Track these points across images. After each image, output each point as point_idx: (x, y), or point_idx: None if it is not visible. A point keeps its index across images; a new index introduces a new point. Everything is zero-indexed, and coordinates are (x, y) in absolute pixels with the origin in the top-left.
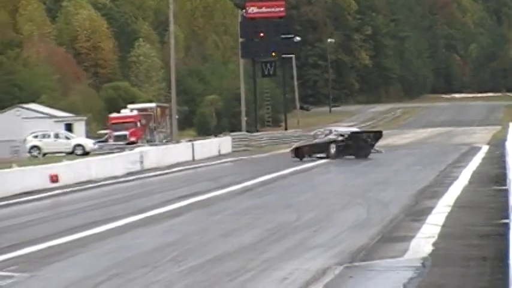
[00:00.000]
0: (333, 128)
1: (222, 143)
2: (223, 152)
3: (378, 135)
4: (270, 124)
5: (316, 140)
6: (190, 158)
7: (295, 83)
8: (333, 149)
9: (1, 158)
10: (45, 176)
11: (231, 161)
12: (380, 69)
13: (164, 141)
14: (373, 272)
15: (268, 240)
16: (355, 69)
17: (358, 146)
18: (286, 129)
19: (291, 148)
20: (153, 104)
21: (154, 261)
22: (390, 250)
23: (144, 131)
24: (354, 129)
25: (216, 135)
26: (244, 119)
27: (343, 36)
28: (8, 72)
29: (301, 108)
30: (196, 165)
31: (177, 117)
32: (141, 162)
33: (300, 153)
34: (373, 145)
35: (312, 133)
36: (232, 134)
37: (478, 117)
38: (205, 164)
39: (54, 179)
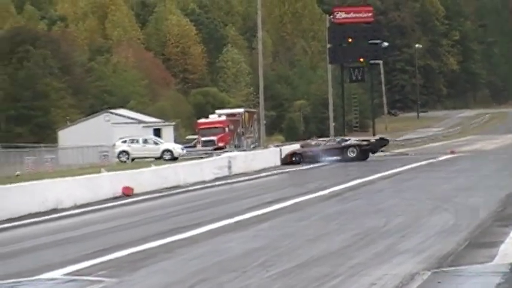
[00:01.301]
0: (331, 139)
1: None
2: None
3: (384, 142)
4: (357, 129)
5: (330, 145)
6: (278, 163)
7: (383, 88)
8: (351, 153)
9: (91, 163)
10: (134, 181)
11: (318, 166)
12: (468, 75)
13: (252, 146)
14: (461, 277)
15: (356, 245)
16: (443, 75)
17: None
18: (374, 134)
19: (286, 154)
20: (241, 110)
21: (243, 266)
22: (478, 256)
23: (232, 137)
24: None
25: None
26: (332, 124)
27: (431, 42)
28: (98, 78)
29: (389, 113)
30: (284, 171)
31: (264, 122)
32: (229, 167)
33: (298, 158)
34: (375, 151)
35: (302, 143)
36: (320, 139)
37: None
38: (293, 169)
39: (126, 192)
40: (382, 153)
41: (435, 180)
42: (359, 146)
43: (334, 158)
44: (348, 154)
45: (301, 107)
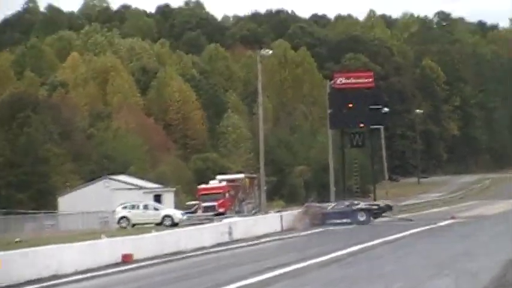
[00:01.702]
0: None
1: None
2: None
3: (389, 207)
4: (358, 194)
5: (339, 208)
6: (279, 229)
7: (384, 153)
8: (361, 217)
9: (91, 229)
10: (134, 247)
11: (318, 232)
12: (468, 140)
13: (253, 212)
14: None
15: None
16: (444, 140)
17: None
18: (375, 199)
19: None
20: (241, 175)
21: None
22: None
23: (232, 202)
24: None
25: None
26: (333, 189)
27: (432, 107)
28: (98, 143)
29: (390, 178)
30: (285, 236)
31: (265, 188)
32: (230, 233)
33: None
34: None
35: (305, 207)
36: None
37: None
38: (294, 234)
39: (126, 259)
40: (385, 219)
41: (436, 245)
42: (369, 210)
43: (344, 220)
44: (358, 217)
45: (302, 173)
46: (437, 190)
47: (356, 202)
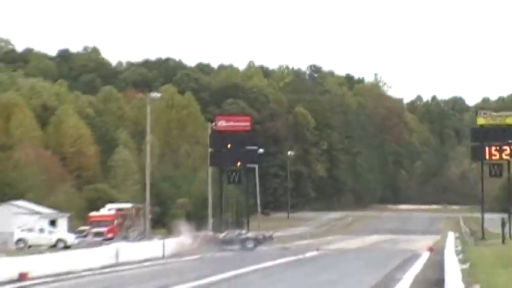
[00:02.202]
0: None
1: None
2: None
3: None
4: (234, 226)
5: (229, 237)
6: (161, 254)
7: (257, 190)
8: (250, 244)
9: None
10: (29, 266)
11: (199, 258)
12: (334, 181)
13: (138, 238)
14: None
15: None
16: (312, 180)
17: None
18: (248, 231)
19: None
20: (129, 205)
21: None
22: None
23: (120, 229)
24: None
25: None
26: (210, 221)
27: (302, 150)
28: (0, 171)
29: (262, 213)
30: (166, 261)
31: (150, 217)
32: (117, 256)
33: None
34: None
35: (222, 235)
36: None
37: (421, 227)
38: (175, 259)
39: (22, 277)
40: (265, 247)
41: (302, 274)
42: (255, 238)
43: (236, 247)
44: (247, 245)
45: (184, 205)
46: (305, 224)
47: (244, 232)
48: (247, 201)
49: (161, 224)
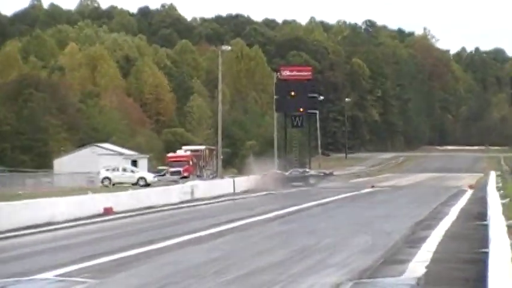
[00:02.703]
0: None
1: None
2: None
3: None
4: (297, 166)
5: (294, 175)
6: (232, 191)
7: (318, 133)
8: (312, 181)
9: (80, 186)
10: (114, 202)
11: (266, 194)
12: (387, 124)
13: (211, 176)
14: (377, 287)
15: (294, 259)
16: (367, 123)
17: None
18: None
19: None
20: (202, 147)
21: (202, 273)
22: (391, 270)
23: (195, 168)
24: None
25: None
26: (276, 161)
27: (358, 97)
28: (87, 117)
29: (323, 153)
30: (236, 197)
31: (221, 157)
32: (192, 193)
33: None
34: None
35: (287, 173)
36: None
37: (465, 166)
38: (243, 196)
39: (107, 211)
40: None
41: (358, 209)
42: (318, 176)
43: (300, 183)
44: (310, 181)
45: (252, 146)
46: (360, 164)
47: (307, 170)
48: (309, 143)
49: (232, 164)
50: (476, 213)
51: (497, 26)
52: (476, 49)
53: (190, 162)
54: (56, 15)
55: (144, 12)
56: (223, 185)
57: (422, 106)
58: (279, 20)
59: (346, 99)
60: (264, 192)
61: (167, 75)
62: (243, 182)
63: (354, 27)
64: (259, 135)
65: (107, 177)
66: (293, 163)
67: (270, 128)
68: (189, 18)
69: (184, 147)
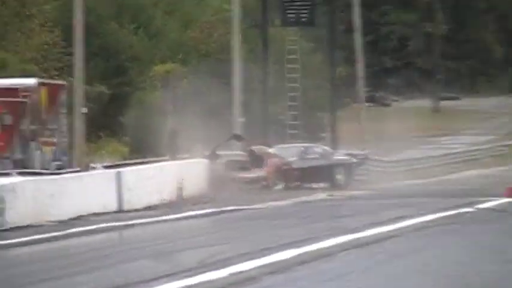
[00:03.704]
0: None
1: None
2: None
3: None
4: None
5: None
6: (116, 206)
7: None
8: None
9: None
10: None
11: (214, 215)
12: None
13: (55, 163)
14: None
15: None
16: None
17: None
18: None
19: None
20: (32, 80)
21: None
22: None
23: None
24: None
25: None
26: (238, 119)
27: None
28: None
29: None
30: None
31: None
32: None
33: None
34: None
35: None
36: None
37: None
38: (140, 222)
39: None
40: None
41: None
42: (349, 163)
43: (316, 182)
44: (337, 176)
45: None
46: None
47: (330, 150)
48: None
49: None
50: None
51: None
52: None
53: None
54: None
55: None
56: (91, 186)
57: None
58: None
59: None
60: (215, 209)
61: None
62: (152, 176)
63: None
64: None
65: None
66: (287, 128)
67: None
68: None
69: None
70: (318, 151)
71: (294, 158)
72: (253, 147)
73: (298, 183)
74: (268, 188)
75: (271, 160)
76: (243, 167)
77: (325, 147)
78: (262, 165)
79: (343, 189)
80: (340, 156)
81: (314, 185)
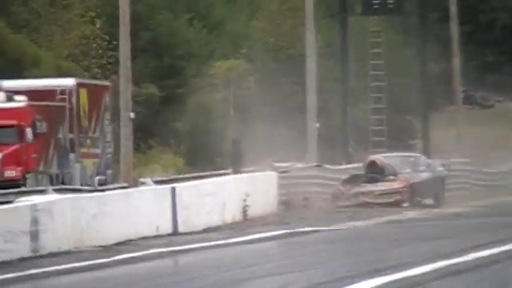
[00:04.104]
0: None
1: None
2: None
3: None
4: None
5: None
6: (170, 228)
7: None
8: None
9: None
10: None
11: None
12: None
13: (98, 177)
14: None
15: None
16: None
17: None
18: None
19: None
20: (71, 80)
21: None
22: None
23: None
24: None
25: None
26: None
27: None
28: None
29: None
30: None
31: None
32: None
33: None
34: None
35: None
36: None
37: None
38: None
39: None
40: None
41: None
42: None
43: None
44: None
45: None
46: None
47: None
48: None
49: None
50: None
51: None
52: None
53: (28, 134)
54: None
55: None
56: (141, 205)
57: None
58: None
59: None
60: (286, 230)
61: None
62: (212, 193)
63: None
64: None
65: None
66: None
67: None
68: None
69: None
70: (424, 162)
71: (408, 170)
72: (374, 158)
73: (420, 199)
74: (398, 205)
75: (402, 175)
76: (369, 180)
77: (424, 157)
78: (385, 178)
79: (441, 206)
80: (439, 167)
81: (426, 201)
